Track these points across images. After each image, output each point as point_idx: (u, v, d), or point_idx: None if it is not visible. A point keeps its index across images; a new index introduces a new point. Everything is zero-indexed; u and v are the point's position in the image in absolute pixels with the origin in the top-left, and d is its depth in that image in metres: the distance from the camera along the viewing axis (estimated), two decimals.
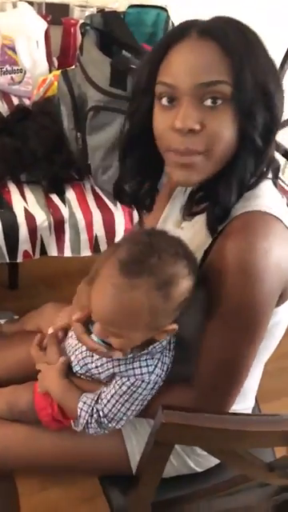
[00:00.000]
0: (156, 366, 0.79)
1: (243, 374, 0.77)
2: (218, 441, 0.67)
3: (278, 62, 0.81)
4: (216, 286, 0.73)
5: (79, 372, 0.87)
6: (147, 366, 0.78)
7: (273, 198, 0.77)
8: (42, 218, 1.14)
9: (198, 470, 0.98)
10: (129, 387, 0.78)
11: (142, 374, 0.78)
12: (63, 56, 1.63)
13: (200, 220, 0.81)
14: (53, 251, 1.19)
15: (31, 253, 1.16)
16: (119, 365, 0.80)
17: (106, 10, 1.51)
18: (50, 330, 0.99)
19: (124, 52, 1.15)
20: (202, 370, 0.78)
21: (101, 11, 1.24)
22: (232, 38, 0.69)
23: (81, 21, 1.47)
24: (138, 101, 0.77)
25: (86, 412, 0.81)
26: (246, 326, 0.73)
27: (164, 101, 0.72)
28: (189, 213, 0.86)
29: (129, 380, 0.78)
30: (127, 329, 0.73)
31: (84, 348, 0.85)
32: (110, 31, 1.22)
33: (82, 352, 0.86)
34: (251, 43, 0.70)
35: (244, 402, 0.94)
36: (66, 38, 1.60)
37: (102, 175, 1.21)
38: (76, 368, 0.87)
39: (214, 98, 0.69)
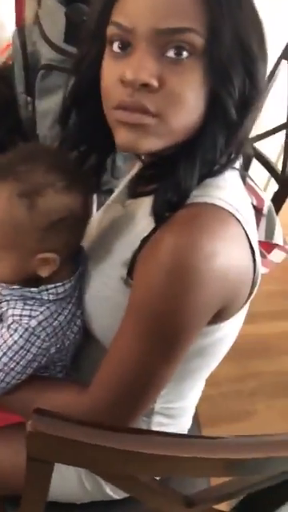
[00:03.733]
0: (42, 313, 0.67)
1: (149, 396, 0.63)
2: (107, 463, 0.51)
3: None
4: (141, 282, 0.59)
5: None
6: (31, 310, 0.67)
7: (236, 193, 0.62)
8: None
9: (116, 497, 0.83)
10: (7, 329, 0.66)
11: (20, 316, 0.66)
12: None
13: (148, 202, 0.65)
14: None
15: None
16: (7, 301, 0.69)
17: None
18: None
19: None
20: (103, 378, 0.64)
21: None
22: None
23: None
24: (87, 47, 0.61)
25: None
26: (164, 340, 0.58)
27: (115, 46, 0.56)
28: (133, 192, 0.70)
29: (7, 321, 0.67)
30: None
31: None
32: None
33: None
34: None
35: (177, 425, 0.79)
36: None
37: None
38: None
39: (179, 48, 0.53)
